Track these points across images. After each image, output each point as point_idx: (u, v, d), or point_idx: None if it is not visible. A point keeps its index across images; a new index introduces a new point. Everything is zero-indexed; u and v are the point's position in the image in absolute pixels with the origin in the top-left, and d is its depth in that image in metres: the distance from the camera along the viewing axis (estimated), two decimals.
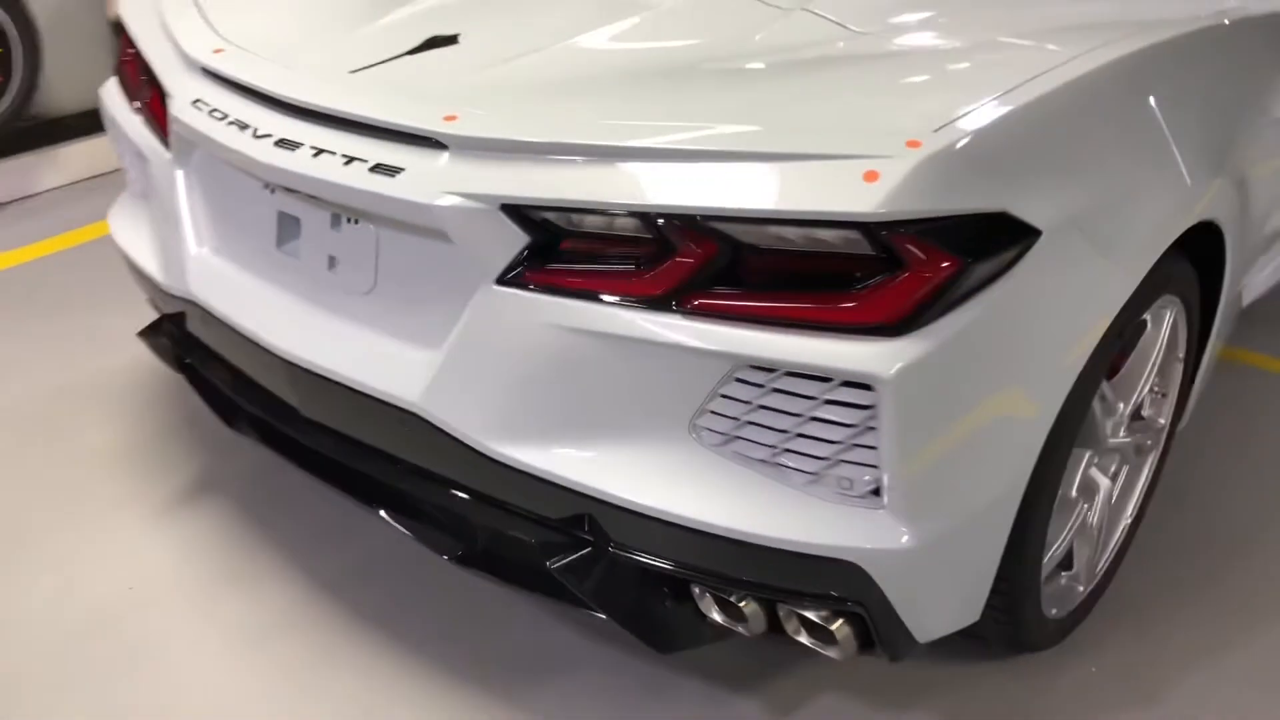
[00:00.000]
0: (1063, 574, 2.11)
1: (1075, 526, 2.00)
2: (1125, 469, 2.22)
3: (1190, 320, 2.10)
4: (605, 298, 1.53)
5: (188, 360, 2.21)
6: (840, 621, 1.63)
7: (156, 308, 2.34)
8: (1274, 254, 2.76)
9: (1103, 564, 2.19)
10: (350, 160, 1.66)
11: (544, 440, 1.64)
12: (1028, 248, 1.50)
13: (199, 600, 2.23)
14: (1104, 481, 2.06)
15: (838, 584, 1.56)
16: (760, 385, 1.50)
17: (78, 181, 4.12)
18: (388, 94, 1.72)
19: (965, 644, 2.06)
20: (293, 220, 1.86)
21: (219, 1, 2.16)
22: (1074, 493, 1.96)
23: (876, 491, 1.51)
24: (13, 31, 3.73)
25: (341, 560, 2.31)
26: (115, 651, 2.10)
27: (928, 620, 1.68)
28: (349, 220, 1.78)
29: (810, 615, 1.64)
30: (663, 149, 1.50)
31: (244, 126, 1.80)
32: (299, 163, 1.71)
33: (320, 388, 1.84)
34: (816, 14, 1.88)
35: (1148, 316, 1.98)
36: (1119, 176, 1.66)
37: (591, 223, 1.54)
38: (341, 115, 1.70)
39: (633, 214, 1.50)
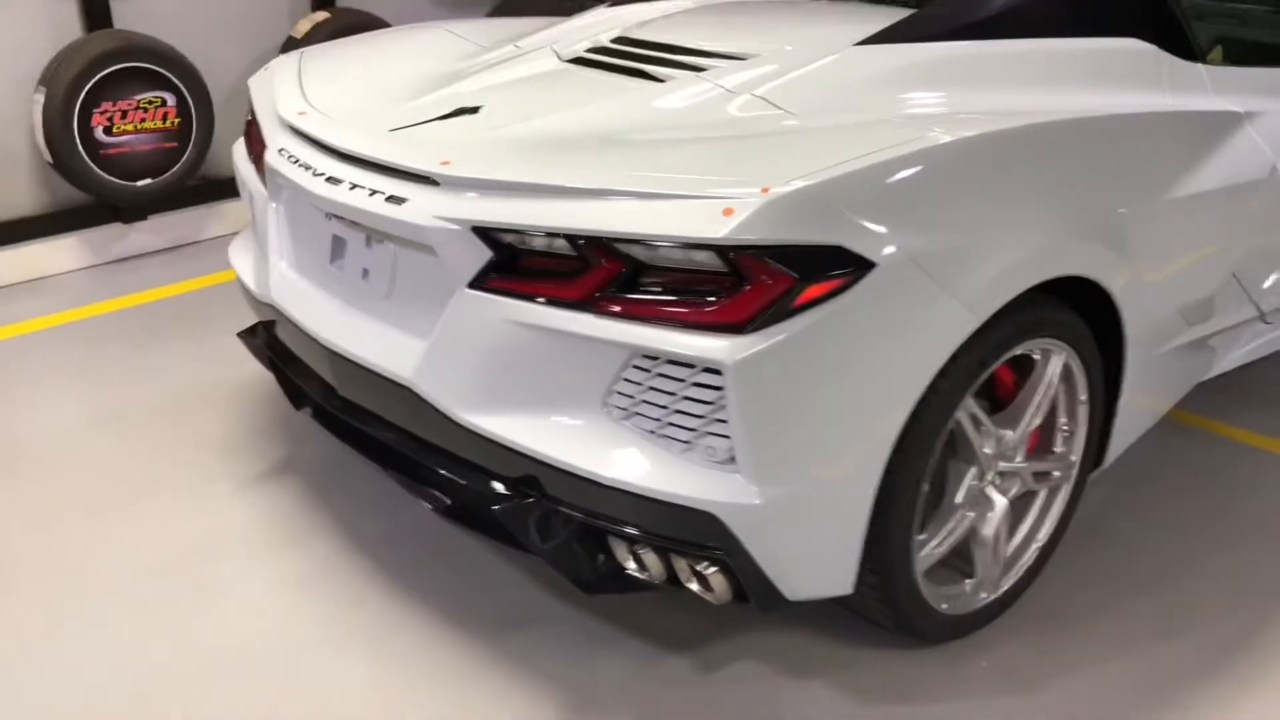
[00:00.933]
0: (966, 581, 2.44)
1: (961, 533, 2.34)
2: (1041, 496, 2.55)
3: (1088, 367, 2.43)
4: (542, 299, 2.01)
5: (272, 356, 2.79)
6: (715, 570, 2.04)
7: (257, 315, 2.94)
8: (1234, 329, 3.03)
9: (1011, 578, 2.50)
10: (373, 193, 2.21)
11: (499, 411, 2.11)
12: (861, 275, 1.91)
13: (262, 551, 2.77)
14: (999, 499, 2.39)
15: (705, 533, 1.97)
16: (649, 370, 1.95)
17: (236, 231, 4.87)
18: (406, 144, 2.27)
19: (878, 632, 2.42)
20: (341, 241, 2.42)
21: (316, 76, 2.79)
22: (958, 500, 2.31)
23: (733, 459, 1.93)
24: (192, 106, 4.53)
25: (377, 529, 2.83)
26: (190, 583, 2.65)
27: (792, 580, 2.06)
28: (377, 240, 2.32)
29: (695, 565, 2.05)
30: (588, 188, 1.98)
31: (308, 168, 2.38)
32: (340, 194, 2.27)
33: (352, 370, 2.38)
34: (761, 98, 2.33)
35: (1035, 355, 2.33)
36: (965, 229, 2.05)
37: (536, 242, 2.02)
38: (371, 159, 2.25)
39: (564, 235, 1.98)
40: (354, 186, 2.25)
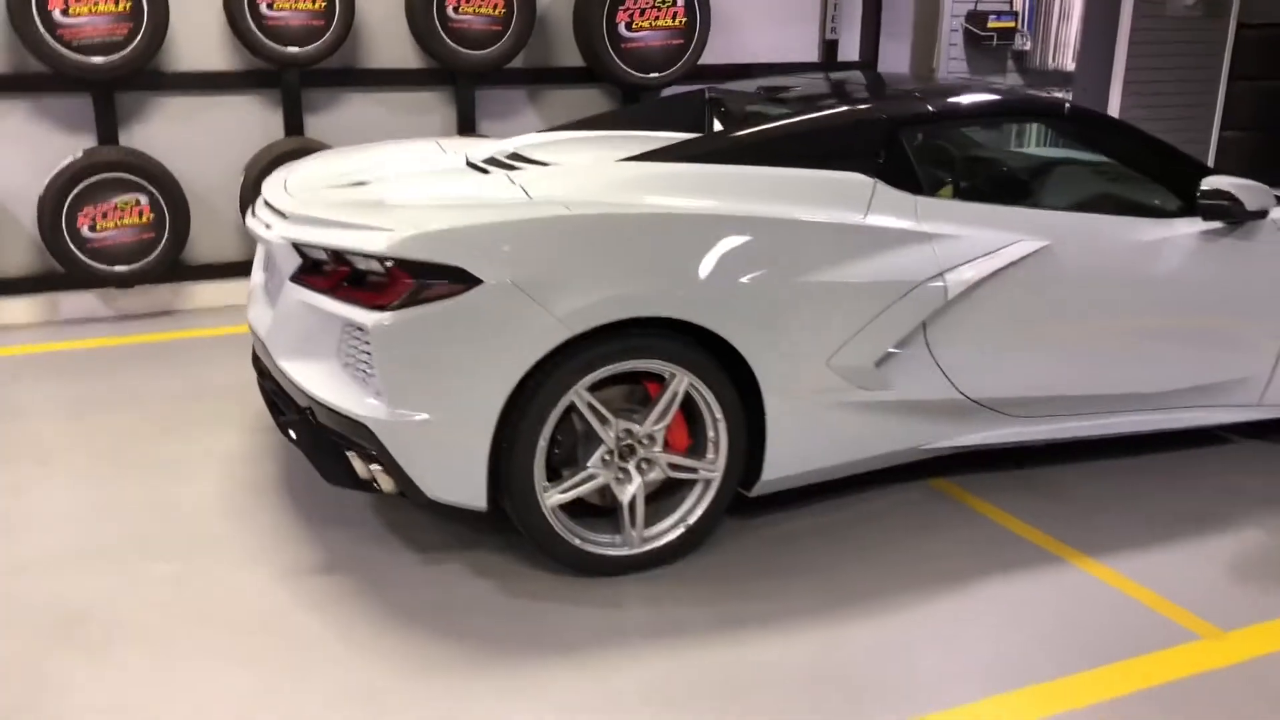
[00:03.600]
0: (617, 536, 3.39)
1: (588, 489, 3.30)
2: (696, 489, 3.45)
3: (717, 392, 3.35)
4: (314, 288, 3.28)
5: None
6: (380, 469, 3.18)
7: None
8: (953, 408, 3.76)
9: (655, 543, 3.41)
10: (264, 224, 3.59)
11: (298, 359, 3.38)
12: (473, 287, 3.04)
13: (229, 464, 4.17)
14: (636, 477, 3.35)
15: (367, 440, 3.13)
16: (349, 333, 3.16)
17: None
18: (288, 196, 3.62)
19: (553, 565, 3.42)
20: (265, 258, 3.82)
21: (311, 162, 4.23)
22: (588, 465, 3.29)
23: (380, 391, 3.09)
24: None
25: (309, 470, 4.15)
26: (182, 467, 4.09)
27: (428, 484, 3.15)
28: (271, 256, 3.69)
29: (371, 465, 3.20)
30: (344, 221, 3.24)
31: (254, 214, 3.81)
32: (254, 225, 3.67)
33: (255, 339, 3.74)
34: (521, 187, 3.48)
35: (665, 374, 3.30)
36: (566, 270, 3.11)
37: (317, 252, 3.31)
38: (269, 203, 3.64)
39: (324, 249, 3.25)
40: (260, 221, 3.65)
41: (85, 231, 5.78)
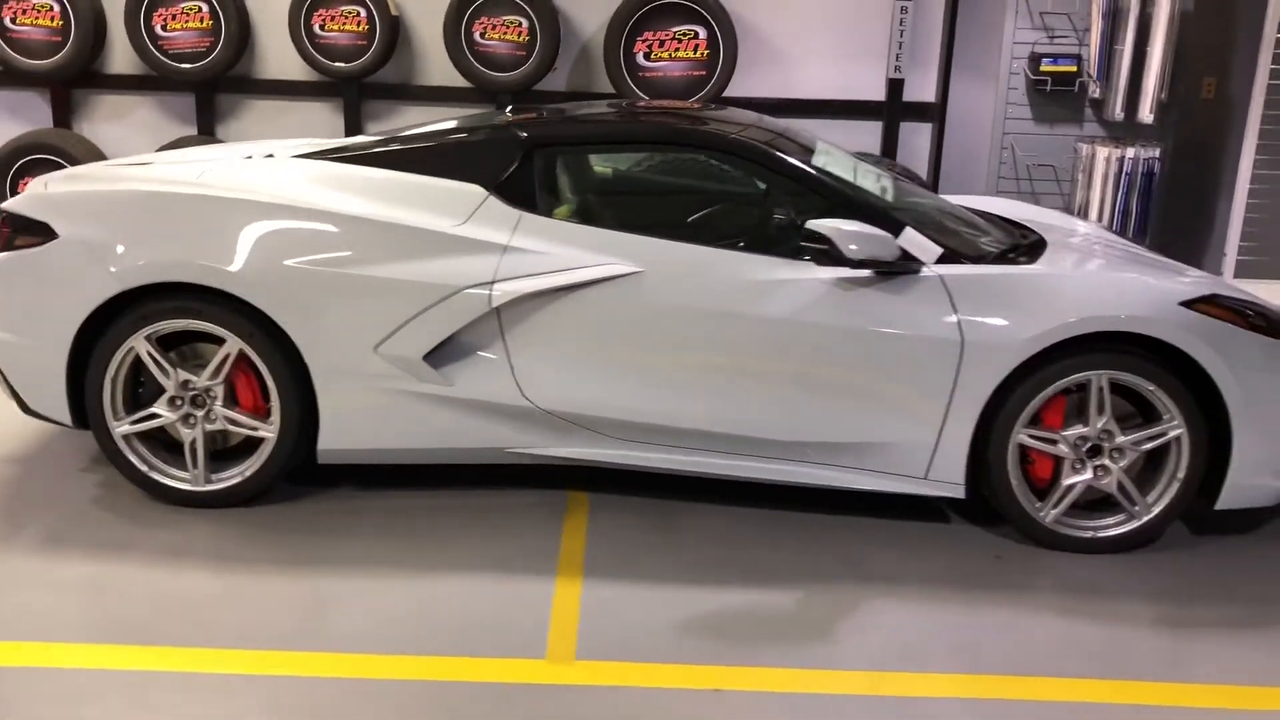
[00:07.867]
0: (186, 473, 3.96)
1: (156, 425, 3.90)
2: (262, 444, 3.91)
3: (269, 362, 3.79)
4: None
5: None
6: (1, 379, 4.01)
7: None
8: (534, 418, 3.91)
9: (219, 486, 3.93)
10: None
11: None
12: (51, 240, 3.78)
13: None
14: (200, 424, 3.89)
15: None
16: None
17: None
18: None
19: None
20: None
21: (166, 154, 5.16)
22: (155, 407, 3.89)
23: None
24: None
25: None
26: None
27: (27, 397, 3.95)
28: None
29: None
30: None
31: None
32: None
33: None
34: (202, 173, 4.14)
35: (224, 336, 3.82)
36: (122, 235, 3.75)
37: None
38: None
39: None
40: None
41: None
